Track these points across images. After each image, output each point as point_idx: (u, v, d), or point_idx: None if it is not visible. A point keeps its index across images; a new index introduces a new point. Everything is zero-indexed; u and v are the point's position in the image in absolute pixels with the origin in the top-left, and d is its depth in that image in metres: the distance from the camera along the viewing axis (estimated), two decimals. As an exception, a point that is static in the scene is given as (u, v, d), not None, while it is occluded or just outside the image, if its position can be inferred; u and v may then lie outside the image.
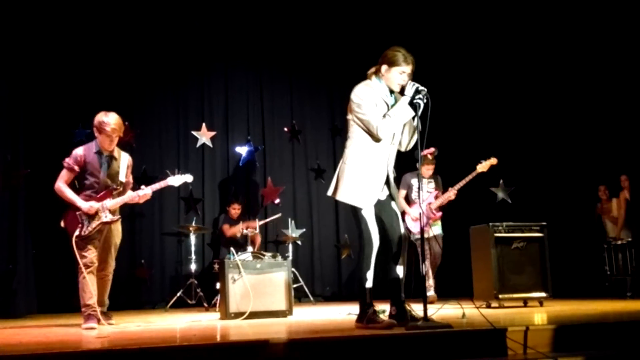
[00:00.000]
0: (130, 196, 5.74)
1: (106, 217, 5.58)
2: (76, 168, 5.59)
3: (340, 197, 4.50)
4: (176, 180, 5.95)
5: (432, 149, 7.97)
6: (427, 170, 8.07)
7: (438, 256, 8.00)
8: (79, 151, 5.63)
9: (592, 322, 4.47)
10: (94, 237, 5.55)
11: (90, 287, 5.47)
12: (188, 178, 6.04)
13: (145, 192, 5.75)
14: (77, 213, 5.54)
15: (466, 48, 10.11)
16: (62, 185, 5.58)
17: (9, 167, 7.92)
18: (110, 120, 5.56)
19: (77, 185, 5.65)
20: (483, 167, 7.56)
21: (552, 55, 9.73)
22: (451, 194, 7.84)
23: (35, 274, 8.05)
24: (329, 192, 4.60)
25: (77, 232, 5.47)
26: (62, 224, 5.62)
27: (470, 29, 10.03)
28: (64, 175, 5.60)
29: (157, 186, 5.81)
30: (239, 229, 8.37)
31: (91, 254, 5.51)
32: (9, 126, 8.00)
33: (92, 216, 5.54)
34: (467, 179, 7.70)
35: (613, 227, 9.34)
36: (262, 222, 8.67)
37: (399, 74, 4.47)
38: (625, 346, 3.99)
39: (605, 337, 4.06)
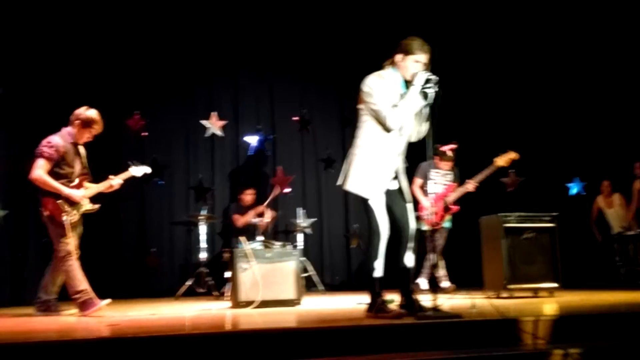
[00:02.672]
0: (104, 186, 5.92)
1: (87, 206, 5.79)
2: (56, 158, 5.61)
3: (348, 187, 4.50)
4: (137, 170, 6.21)
5: (452, 145, 7.92)
6: (446, 164, 8.03)
7: (439, 249, 8.03)
8: (58, 141, 5.65)
9: (602, 312, 4.46)
10: (74, 225, 5.69)
11: (80, 273, 5.62)
12: (147, 169, 6.34)
13: (119, 182, 5.99)
14: (58, 201, 5.57)
15: (479, 39, 10.02)
16: (44, 174, 5.56)
17: (20, 157, 7.95)
18: (99, 118, 5.78)
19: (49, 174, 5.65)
20: (503, 161, 7.40)
21: (566, 49, 9.65)
22: (469, 186, 7.77)
23: (45, 263, 8.08)
24: (339, 182, 4.60)
25: (64, 218, 5.55)
26: (46, 212, 5.60)
27: (484, 21, 9.94)
28: (43, 164, 5.57)
29: (123, 176, 6.05)
30: (249, 218, 8.39)
31: (74, 241, 5.67)
32: (19, 117, 8.04)
33: (74, 204, 5.65)
34: (487, 172, 7.58)
35: (616, 221, 9.29)
36: (267, 203, 8.69)
37: (414, 62, 4.44)
38: (636, 337, 3.97)
39: (616, 327, 4.05)
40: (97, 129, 5.79)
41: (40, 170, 5.56)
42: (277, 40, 9.95)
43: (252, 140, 9.89)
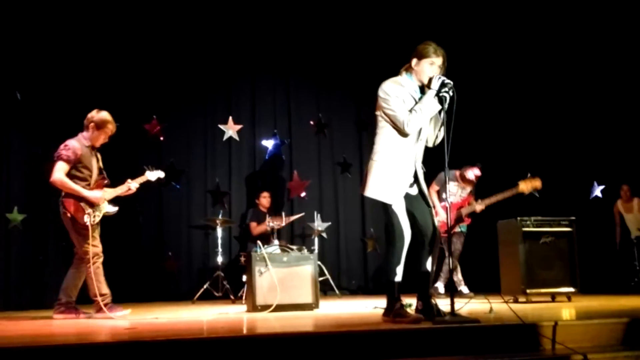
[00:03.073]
0: (122, 189, 6.03)
1: (107, 208, 5.89)
2: (74, 160, 5.72)
3: (368, 193, 4.50)
4: (152, 175, 6.29)
5: (477, 173, 7.86)
6: (465, 183, 8.01)
7: (457, 254, 8.01)
8: (75, 144, 5.79)
9: (621, 317, 4.41)
10: (96, 227, 5.80)
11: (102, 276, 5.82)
12: (161, 174, 6.40)
13: (135, 185, 6.09)
14: (80, 203, 5.69)
15: (497, 45, 9.98)
16: (63, 177, 5.66)
17: (40, 161, 8.02)
18: (111, 119, 5.92)
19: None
20: (525, 188, 7.26)
21: (586, 52, 9.58)
22: (477, 207, 7.75)
23: (65, 266, 8.14)
24: (361, 190, 4.61)
25: (86, 220, 5.66)
26: (68, 214, 5.69)
27: (501, 29, 9.90)
28: (63, 167, 5.69)
29: (140, 180, 6.14)
30: (265, 227, 8.41)
31: (99, 244, 5.81)
32: (38, 121, 8.11)
33: (94, 206, 5.76)
34: (501, 196, 7.50)
35: (635, 225, 9.22)
36: (287, 220, 8.70)
37: (429, 65, 4.45)
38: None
39: (636, 333, 4.01)
40: (111, 128, 5.92)
41: (59, 173, 5.67)
42: (295, 44, 9.98)
43: (269, 144, 9.91)
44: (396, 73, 4.62)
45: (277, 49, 9.93)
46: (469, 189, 8.09)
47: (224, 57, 9.66)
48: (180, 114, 9.42)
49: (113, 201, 6.00)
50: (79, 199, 5.69)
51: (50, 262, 7.98)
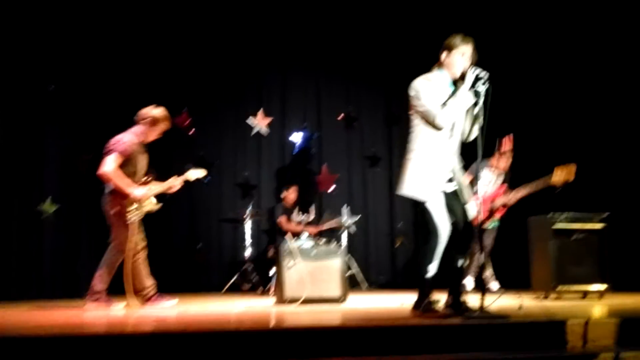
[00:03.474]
0: (164, 187, 6.04)
1: (151, 205, 5.93)
2: (129, 154, 5.73)
3: (404, 191, 4.49)
4: (194, 174, 6.29)
5: (510, 142, 7.76)
6: (502, 161, 7.88)
7: (487, 250, 7.95)
8: (130, 139, 5.79)
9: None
10: (138, 223, 5.86)
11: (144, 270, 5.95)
12: (203, 173, 6.41)
13: (178, 183, 6.12)
14: (125, 200, 5.69)
15: (531, 37, 9.84)
16: (113, 171, 5.63)
17: (73, 153, 8.14)
18: (166, 115, 6.01)
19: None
20: (558, 179, 7.07)
21: (625, 44, 9.41)
22: (509, 199, 7.66)
23: (97, 258, 8.23)
24: (396, 189, 4.59)
25: (130, 217, 5.69)
26: (112, 210, 5.71)
27: (534, 17, 9.77)
28: (116, 160, 5.66)
29: (183, 178, 6.16)
30: (298, 227, 8.42)
31: (140, 239, 5.89)
32: (71, 113, 8.22)
33: (139, 203, 5.77)
34: (534, 187, 7.34)
35: None
36: (323, 226, 8.75)
37: (460, 56, 4.43)
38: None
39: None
40: (165, 126, 6.01)
41: (109, 166, 5.63)
42: (325, 37, 9.93)
43: (297, 138, 9.91)
44: (426, 67, 4.61)
45: (308, 42, 9.89)
46: (503, 175, 7.96)
47: (256, 49, 9.65)
48: (210, 107, 9.46)
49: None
50: (124, 195, 5.68)
51: (83, 253, 8.08)
